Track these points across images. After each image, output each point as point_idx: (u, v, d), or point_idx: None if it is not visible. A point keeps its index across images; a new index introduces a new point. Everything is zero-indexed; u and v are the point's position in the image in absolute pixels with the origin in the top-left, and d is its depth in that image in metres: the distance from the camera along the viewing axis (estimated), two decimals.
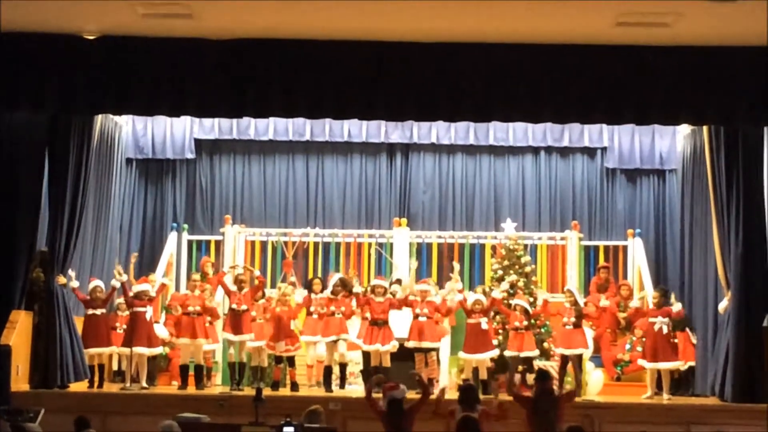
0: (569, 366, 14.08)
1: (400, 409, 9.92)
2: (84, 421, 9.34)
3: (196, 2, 11.67)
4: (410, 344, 14.27)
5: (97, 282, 14.48)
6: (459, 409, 10.15)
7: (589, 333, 14.62)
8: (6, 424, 9.34)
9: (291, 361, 14.38)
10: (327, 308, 14.36)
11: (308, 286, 14.96)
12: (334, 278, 14.78)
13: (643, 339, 15.11)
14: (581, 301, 14.61)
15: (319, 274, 16.42)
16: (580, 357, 14.26)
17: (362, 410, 12.70)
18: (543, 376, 11.05)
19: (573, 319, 14.23)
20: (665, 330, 14.05)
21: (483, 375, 14.15)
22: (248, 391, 13.49)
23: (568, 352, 14.16)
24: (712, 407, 13.32)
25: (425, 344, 14.20)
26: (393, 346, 14.18)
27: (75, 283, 14.13)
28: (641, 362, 14.34)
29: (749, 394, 13.22)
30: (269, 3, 11.66)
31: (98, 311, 14.17)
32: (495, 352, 14.26)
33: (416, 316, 14.28)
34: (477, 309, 14.25)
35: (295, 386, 14.15)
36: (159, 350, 14.48)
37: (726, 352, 13.70)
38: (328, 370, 14.29)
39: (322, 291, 14.56)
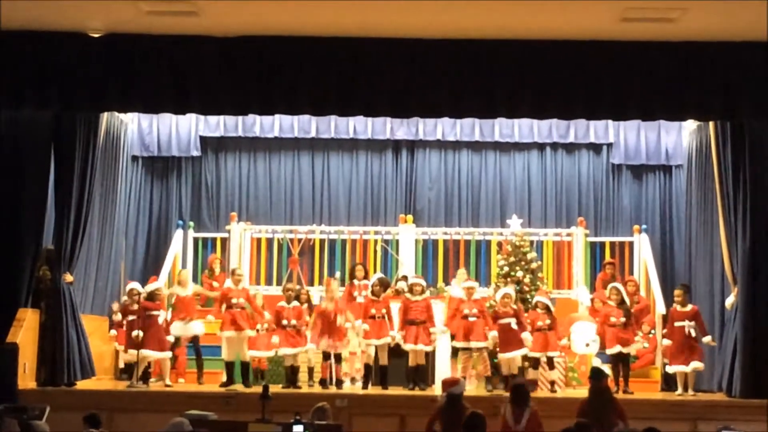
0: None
1: (459, 404, 9.92)
2: (95, 417, 9.35)
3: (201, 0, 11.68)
4: (457, 344, 14.24)
5: (133, 284, 14.54)
6: (509, 408, 10.14)
7: (593, 327, 14.57)
8: (14, 422, 9.34)
9: (338, 357, 14.25)
10: (368, 310, 14.31)
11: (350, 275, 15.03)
12: (372, 278, 14.79)
13: (650, 335, 15.13)
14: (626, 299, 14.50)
15: (325, 271, 16.48)
16: (627, 356, 14.24)
17: (368, 407, 12.76)
18: (597, 374, 10.95)
19: (623, 319, 14.17)
20: (693, 333, 13.97)
21: (514, 370, 14.03)
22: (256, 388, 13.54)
23: (622, 350, 14.12)
24: (719, 403, 13.29)
25: (473, 344, 14.13)
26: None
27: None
28: (669, 368, 14.16)
29: (756, 389, 13.17)
30: (273, 0, 11.65)
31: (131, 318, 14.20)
32: (525, 351, 14.06)
33: (465, 316, 14.18)
34: (507, 303, 14.17)
35: (339, 383, 14.07)
36: (168, 354, 14.39)
37: (733, 348, 13.67)
38: (368, 368, 14.25)
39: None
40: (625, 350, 14.14)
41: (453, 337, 14.42)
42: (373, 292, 14.37)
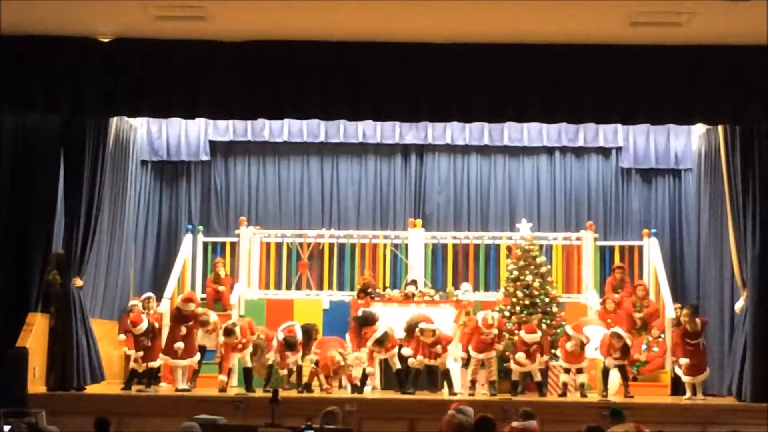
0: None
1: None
2: (104, 422, 9.36)
3: (210, 4, 11.69)
4: (472, 354, 14.30)
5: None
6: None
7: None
8: (24, 426, 9.36)
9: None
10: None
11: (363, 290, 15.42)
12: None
13: (660, 339, 15.09)
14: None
15: (335, 275, 16.53)
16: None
17: (378, 411, 12.75)
18: (616, 415, 10.81)
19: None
20: (701, 346, 14.04)
21: (537, 377, 14.25)
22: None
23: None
24: (729, 407, 13.27)
25: (484, 355, 14.28)
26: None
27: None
28: (685, 379, 14.12)
29: (766, 393, 13.15)
30: (283, 5, 11.66)
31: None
32: (536, 365, 14.25)
33: (482, 334, 14.30)
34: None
35: (355, 388, 14.11)
36: (197, 358, 14.46)
37: (743, 352, 13.65)
38: (364, 372, 14.35)
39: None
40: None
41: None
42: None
